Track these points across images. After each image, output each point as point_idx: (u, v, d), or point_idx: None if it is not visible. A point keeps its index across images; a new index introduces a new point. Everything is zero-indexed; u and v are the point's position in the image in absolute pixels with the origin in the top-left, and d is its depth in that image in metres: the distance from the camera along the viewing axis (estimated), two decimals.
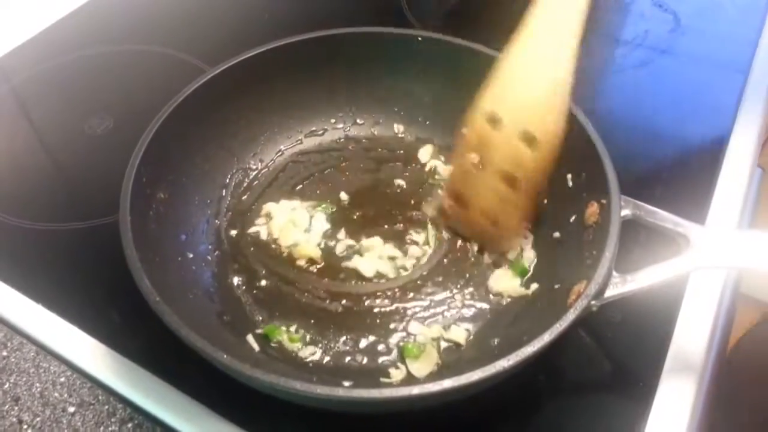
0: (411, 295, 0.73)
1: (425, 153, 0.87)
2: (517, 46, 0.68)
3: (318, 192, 0.83)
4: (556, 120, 0.66)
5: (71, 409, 0.64)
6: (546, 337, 0.56)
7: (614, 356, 0.70)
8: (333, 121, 0.89)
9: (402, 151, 0.88)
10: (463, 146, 0.72)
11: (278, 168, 0.86)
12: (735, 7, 1.16)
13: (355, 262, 0.75)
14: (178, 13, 1.15)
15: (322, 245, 0.77)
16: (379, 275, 0.75)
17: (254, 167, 0.85)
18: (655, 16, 1.14)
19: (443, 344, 0.69)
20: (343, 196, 0.82)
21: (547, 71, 0.66)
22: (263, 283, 0.74)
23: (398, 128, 0.89)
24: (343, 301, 0.72)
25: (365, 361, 0.68)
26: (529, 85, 0.67)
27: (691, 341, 0.70)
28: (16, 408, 0.64)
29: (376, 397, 0.55)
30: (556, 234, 0.75)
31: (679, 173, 0.88)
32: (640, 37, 1.10)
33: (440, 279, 0.75)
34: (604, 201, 0.67)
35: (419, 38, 0.84)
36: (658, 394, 0.66)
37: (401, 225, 0.80)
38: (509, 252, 0.76)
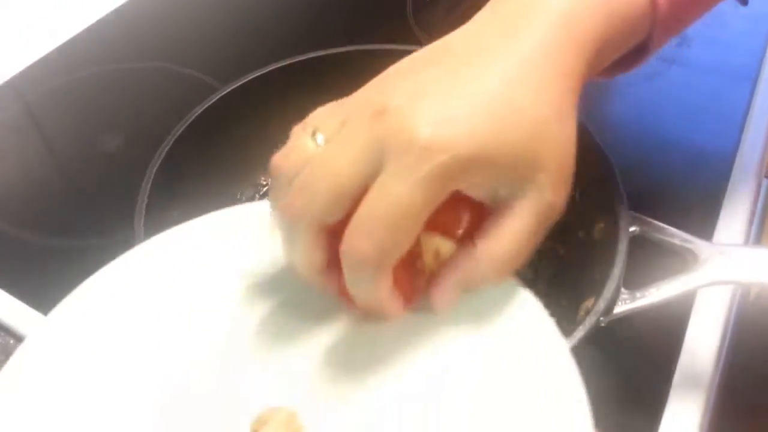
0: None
1: None
2: None
3: None
4: None
5: None
6: None
7: (622, 372, 0.71)
8: None
9: None
10: None
11: None
12: (741, 17, 1.17)
13: None
14: (191, 31, 1.17)
15: None
16: None
17: (265, 183, 0.86)
18: None
19: None
20: None
21: None
22: None
23: None
24: None
25: None
26: None
27: (700, 357, 0.70)
28: None
29: None
30: (563, 251, 0.75)
31: (686, 187, 0.88)
32: None
33: None
34: (611, 217, 0.67)
35: None
36: (667, 410, 0.66)
37: None
38: None
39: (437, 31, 1.13)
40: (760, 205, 0.89)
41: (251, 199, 0.84)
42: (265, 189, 0.85)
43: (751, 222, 0.84)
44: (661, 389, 0.67)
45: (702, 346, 0.71)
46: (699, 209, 0.84)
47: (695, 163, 0.92)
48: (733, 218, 0.83)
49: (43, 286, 0.78)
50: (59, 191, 0.91)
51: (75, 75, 1.07)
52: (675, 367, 0.69)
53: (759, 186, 0.89)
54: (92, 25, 1.16)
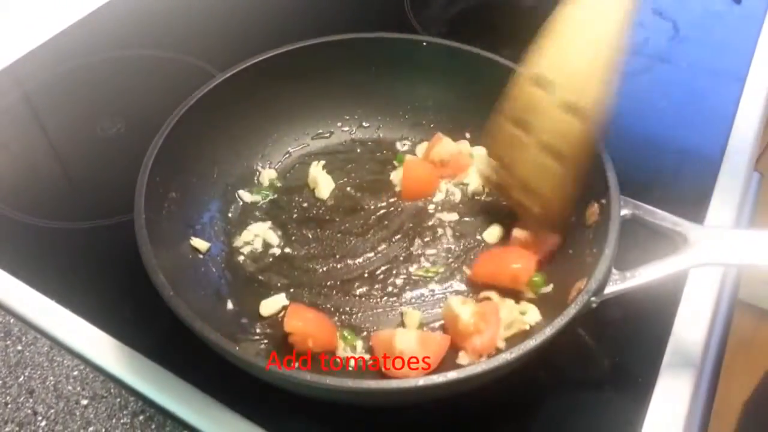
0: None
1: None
2: (567, 9, 0.67)
3: None
4: (600, 87, 0.64)
5: (84, 402, 0.66)
6: (548, 331, 0.58)
7: (613, 354, 0.72)
8: (339, 123, 0.91)
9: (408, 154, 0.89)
10: (508, 110, 0.69)
11: (286, 169, 0.88)
12: (733, 16, 1.18)
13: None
14: (189, 19, 1.17)
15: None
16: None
17: (262, 168, 0.87)
18: (654, 25, 1.16)
19: None
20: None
21: (596, 36, 0.65)
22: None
23: (403, 131, 0.91)
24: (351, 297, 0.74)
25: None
26: (576, 49, 0.65)
27: (689, 339, 0.71)
28: (31, 400, 0.66)
29: (384, 388, 0.56)
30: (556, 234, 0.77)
31: (678, 177, 0.90)
32: (639, 44, 1.12)
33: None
34: (603, 201, 0.68)
35: (424, 43, 0.86)
36: (656, 390, 0.67)
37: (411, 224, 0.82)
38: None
39: (433, 19, 1.15)
40: (751, 194, 0.91)
41: (249, 184, 0.85)
42: (259, 174, 0.86)
43: (741, 210, 0.85)
44: (651, 370, 0.69)
45: (692, 328, 0.72)
46: (690, 197, 0.86)
47: (687, 153, 0.93)
48: (724, 206, 0.85)
49: (44, 268, 0.79)
50: (59, 176, 0.91)
51: (75, 62, 1.07)
52: (665, 349, 0.70)
53: (749, 176, 0.90)
54: (92, 13, 1.17)
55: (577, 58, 0.65)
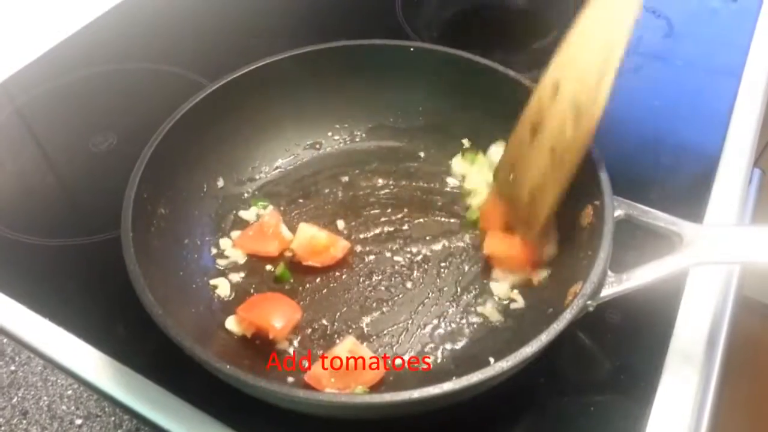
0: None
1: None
2: (581, 23, 0.70)
3: (315, 205, 0.84)
4: (603, 96, 0.66)
5: (78, 422, 0.65)
6: (543, 338, 0.57)
7: (614, 356, 0.71)
8: (330, 133, 0.90)
9: (400, 162, 0.89)
10: (526, 114, 0.72)
11: (276, 181, 0.87)
12: (727, 12, 1.18)
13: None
14: (180, 31, 1.17)
15: None
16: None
17: (252, 181, 0.86)
18: (648, 22, 1.15)
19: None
20: (341, 222, 0.83)
21: (604, 49, 0.68)
22: None
23: (395, 139, 0.90)
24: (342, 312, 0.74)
25: None
26: (587, 59, 0.68)
27: (691, 340, 0.70)
28: (25, 421, 0.65)
29: (378, 402, 0.55)
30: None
31: (675, 177, 0.89)
32: (633, 43, 1.11)
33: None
34: (597, 203, 0.68)
35: (411, 49, 0.85)
36: (659, 393, 0.66)
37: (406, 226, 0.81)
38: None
39: (425, 24, 1.14)
40: (752, 191, 0.90)
41: (238, 198, 0.84)
42: (254, 190, 0.85)
43: (741, 208, 0.84)
44: (653, 372, 0.68)
45: (694, 329, 0.71)
46: (688, 197, 0.85)
47: (684, 152, 0.92)
48: (724, 204, 0.84)
49: (36, 286, 0.78)
50: (52, 193, 0.91)
51: (65, 78, 1.07)
52: (667, 351, 0.69)
53: (747, 174, 0.89)
54: (81, 29, 1.17)
55: (586, 61, 0.68)
